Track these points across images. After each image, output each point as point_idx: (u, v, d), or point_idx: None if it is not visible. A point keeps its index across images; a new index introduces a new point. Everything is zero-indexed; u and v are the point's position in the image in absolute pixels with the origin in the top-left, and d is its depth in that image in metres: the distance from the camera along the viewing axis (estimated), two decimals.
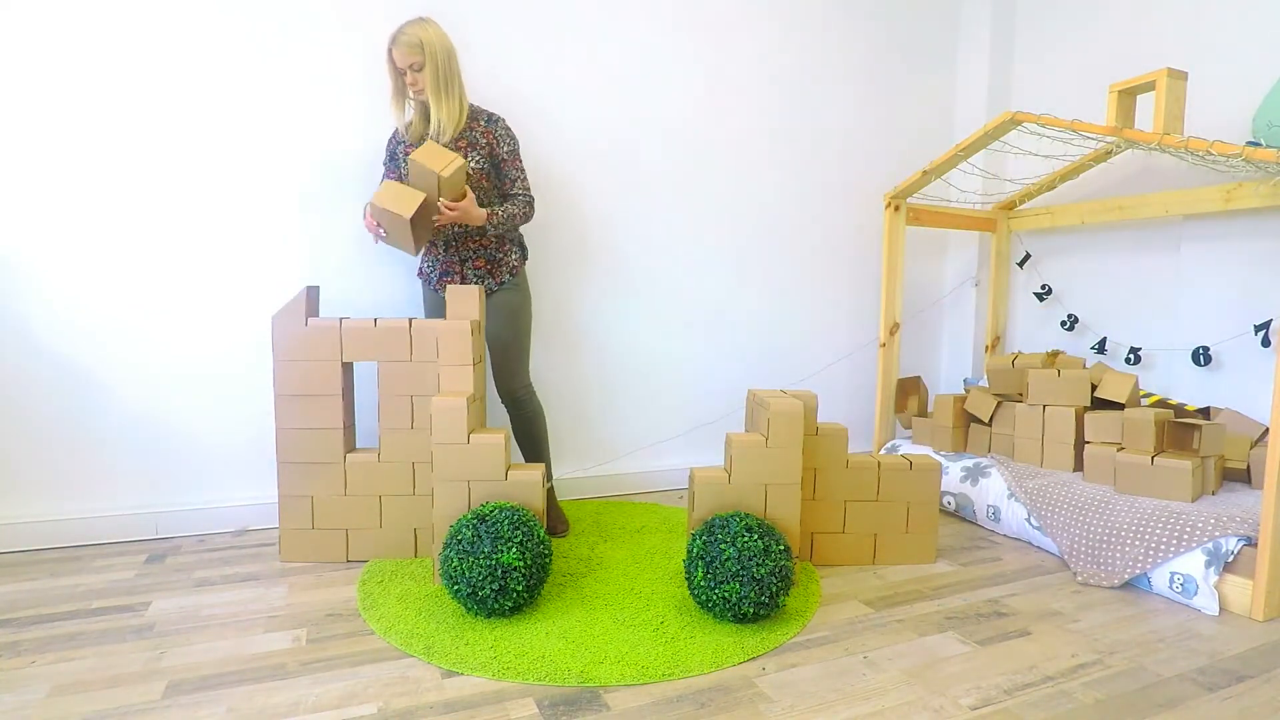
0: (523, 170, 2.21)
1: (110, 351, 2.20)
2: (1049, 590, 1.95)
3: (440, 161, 1.93)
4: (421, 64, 2.02)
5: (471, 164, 2.11)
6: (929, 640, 1.65)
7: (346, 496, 2.07)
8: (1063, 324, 3.06)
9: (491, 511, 1.73)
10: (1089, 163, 2.77)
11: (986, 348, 3.34)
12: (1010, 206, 3.20)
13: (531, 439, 2.32)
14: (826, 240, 3.20)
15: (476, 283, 2.21)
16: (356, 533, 2.08)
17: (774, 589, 1.64)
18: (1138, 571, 1.93)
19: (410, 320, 2.05)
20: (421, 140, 2.14)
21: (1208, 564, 1.82)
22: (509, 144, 2.17)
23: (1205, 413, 2.42)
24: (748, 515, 1.77)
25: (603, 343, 2.81)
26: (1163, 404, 2.51)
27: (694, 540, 1.75)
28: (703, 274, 2.97)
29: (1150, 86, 2.03)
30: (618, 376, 2.85)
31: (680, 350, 2.95)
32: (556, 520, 2.35)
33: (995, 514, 2.43)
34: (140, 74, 2.16)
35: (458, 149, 2.11)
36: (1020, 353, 2.80)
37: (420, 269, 2.31)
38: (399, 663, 1.51)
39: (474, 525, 1.69)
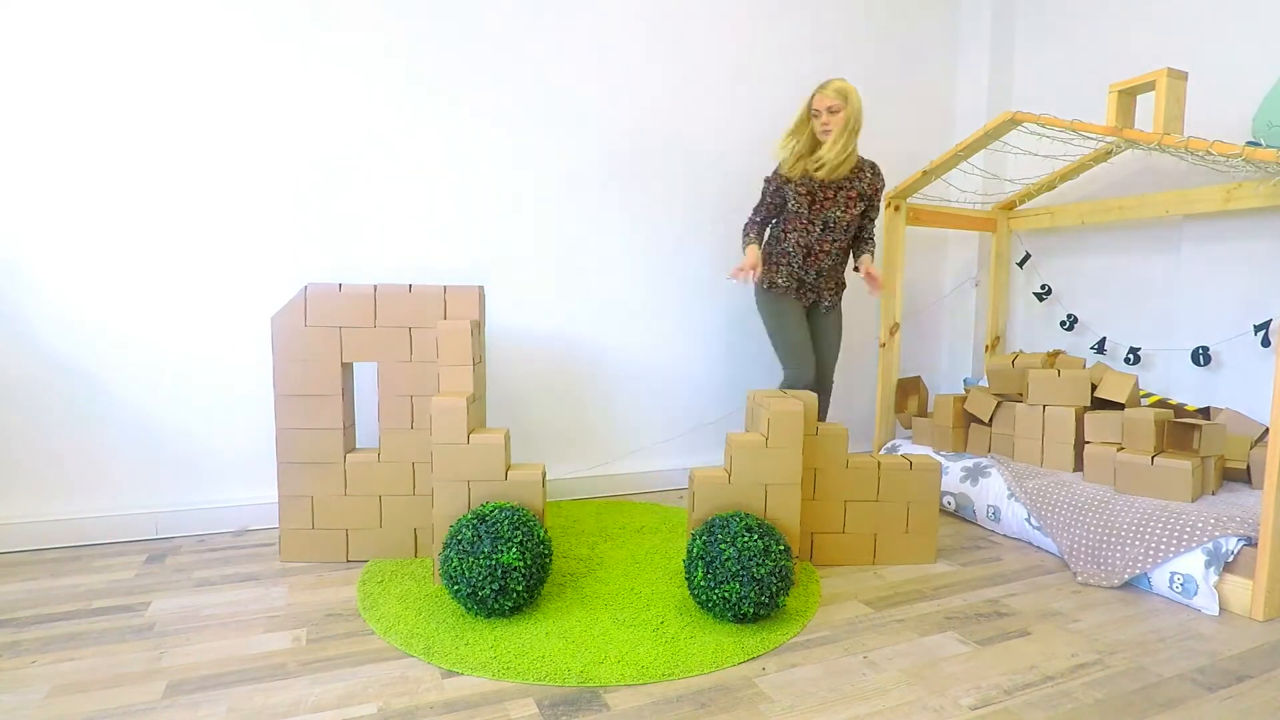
0: (873, 229, 2.58)
1: (110, 351, 2.20)
2: (1049, 590, 1.95)
3: None
4: (840, 109, 2.34)
5: (856, 210, 2.48)
6: (929, 640, 1.65)
7: (346, 496, 2.07)
8: (1063, 324, 3.06)
9: (491, 511, 1.73)
10: (1089, 163, 2.77)
11: (986, 348, 3.34)
12: (1010, 206, 3.20)
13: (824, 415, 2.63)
14: None
15: (829, 303, 2.61)
16: (356, 533, 2.08)
17: (774, 589, 1.64)
18: (1138, 571, 1.93)
19: (410, 327, 2.05)
20: (804, 172, 2.43)
21: (1208, 564, 1.82)
22: (878, 206, 2.56)
23: (1205, 413, 2.42)
24: (748, 515, 1.77)
25: (603, 343, 2.81)
26: (1163, 404, 2.51)
27: (694, 540, 1.75)
28: (702, 274, 2.96)
29: (1150, 86, 2.03)
30: (618, 377, 2.85)
31: (680, 350, 2.95)
32: None
33: (995, 514, 2.43)
34: (139, 74, 2.16)
35: (849, 198, 2.46)
36: (1020, 352, 2.80)
37: (774, 282, 2.54)
38: (399, 663, 1.51)
39: (474, 525, 1.69)
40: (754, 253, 2.45)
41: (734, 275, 2.35)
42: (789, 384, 2.54)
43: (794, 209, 2.46)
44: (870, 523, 2.11)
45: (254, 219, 2.31)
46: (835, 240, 2.50)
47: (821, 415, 2.61)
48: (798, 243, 2.49)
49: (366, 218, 2.43)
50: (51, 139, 2.10)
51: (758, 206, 2.56)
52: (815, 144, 2.43)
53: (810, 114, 2.40)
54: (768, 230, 2.61)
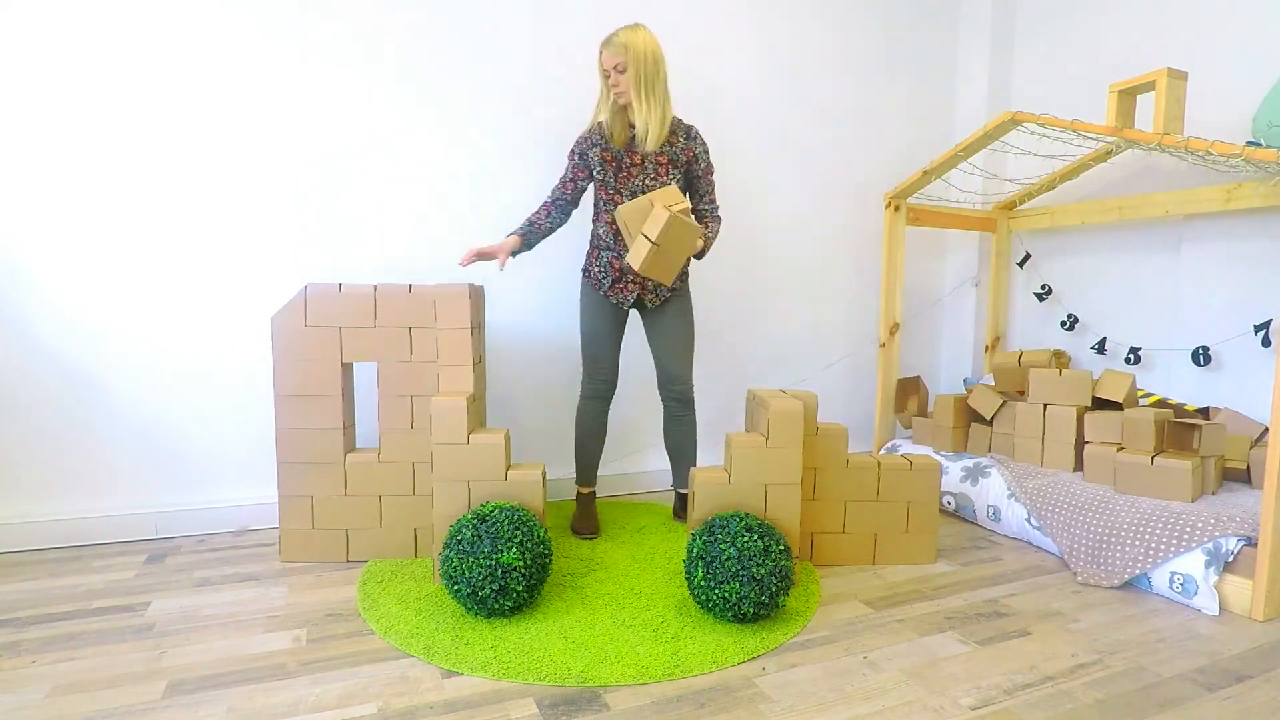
0: (713, 187, 2.26)
1: (111, 351, 2.20)
2: (1049, 590, 1.95)
3: (663, 215, 1.89)
4: (625, 66, 2.04)
5: (669, 180, 2.17)
6: (929, 640, 1.65)
7: (346, 496, 2.07)
8: (1063, 324, 3.06)
9: (491, 511, 1.73)
10: (1089, 163, 2.77)
11: (986, 348, 3.34)
12: (1010, 206, 3.20)
13: (690, 439, 2.36)
14: (826, 240, 3.20)
15: (653, 293, 2.25)
16: (356, 533, 2.08)
17: (774, 589, 1.64)
18: (1138, 571, 1.93)
19: (409, 327, 2.05)
20: (620, 145, 2.14)
21: (1208, 564, 1.82)
22: (706, 159, 2.21)
23: (1205, 413, 2.42)
24: (748, 515, 1.77)
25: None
26: (1162, 404, 2.51)
27: (694, 540, 1.75)
28: (702, 274, 2.96)
29: (1150, 86, 2.03)
30: (618, 378, 2.84)
31: None
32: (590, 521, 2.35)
33: (995, 514, 2.43)
34: (140, 75, 2.16)
35: (658, 164, 2.15)
36: (1023, 352, 2.80)
37: (588, 269, 2.27)
38: (399, 663, 1.51)
39: (474, 525, 1.69)
40: (508, 242, 2.10)
41: (463, 261, 2.05)
42: (581, 401, 2.32)
43: (599, 177, 2.17)
44: (870, 523, 2.11)
45: (254, 219, 2.31)
46: None
47: (681, 439, 2.33)
48: (609, 223, 2.19)
49: (366, 218, 2.43)
50: (52, 139, 2.10)
51: (559, 184, 2.20)
52: (624, 112, 2.14)
53: (602, 75, 2.11)
54: (561, 213, 2.20)
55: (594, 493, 2.42)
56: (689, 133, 2.18)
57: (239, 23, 2.23)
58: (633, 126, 2.15)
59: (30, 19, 2.05)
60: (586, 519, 2.34)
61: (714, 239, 2.20)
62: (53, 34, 2.07)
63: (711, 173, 2.24)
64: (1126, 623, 1.76)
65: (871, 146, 3.27)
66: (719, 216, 2.27)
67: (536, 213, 2.19)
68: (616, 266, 2.21)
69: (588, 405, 2.33)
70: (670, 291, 2.27)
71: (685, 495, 2.44)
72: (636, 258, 1.92)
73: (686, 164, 2.19)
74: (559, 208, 2.20)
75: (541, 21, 2.60)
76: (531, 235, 2.17)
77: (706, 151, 2.21)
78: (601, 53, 2.07)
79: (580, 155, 2.17)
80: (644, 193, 2.15)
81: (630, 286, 2.23)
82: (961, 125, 3.41)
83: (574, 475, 2.80)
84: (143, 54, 2.15)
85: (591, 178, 2.20)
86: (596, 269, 2.24)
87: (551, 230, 2.21)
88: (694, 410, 2.36)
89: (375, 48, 2.39)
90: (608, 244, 2.21)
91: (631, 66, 2.04)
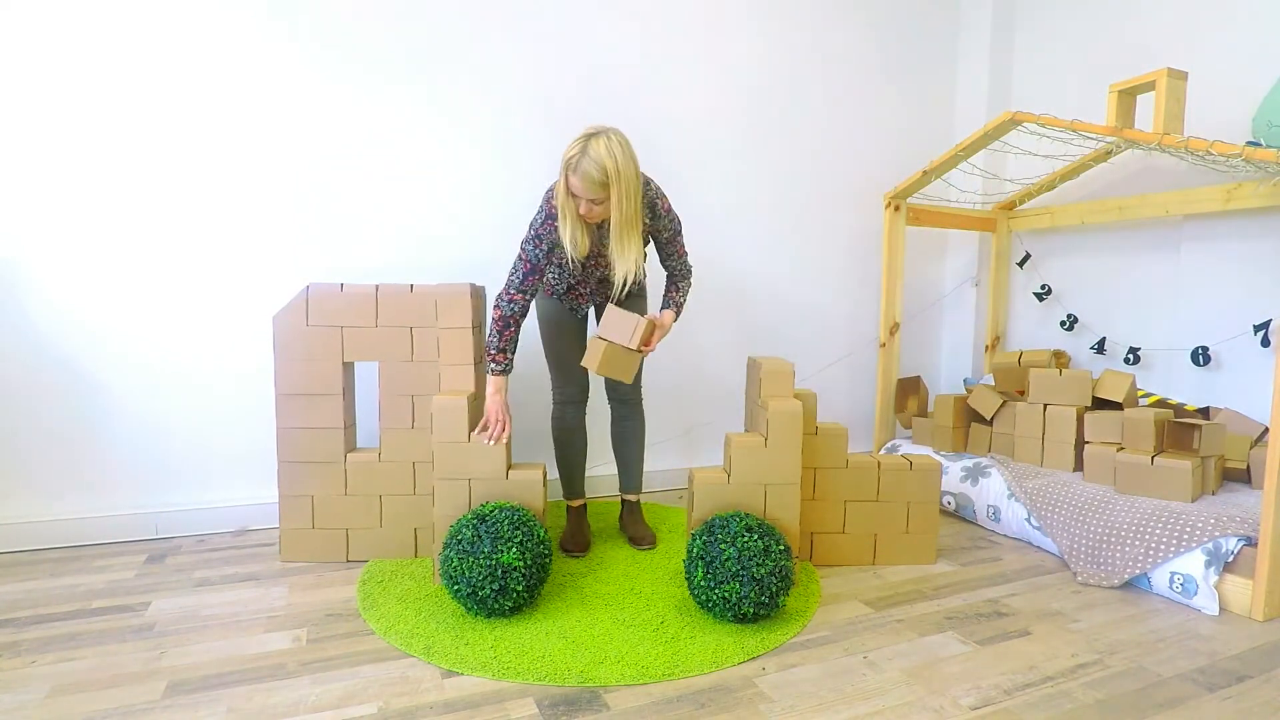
0: (681, 245, 2.04)
1: (111, 351, 2.20)
2: (1049, 590, 1.95)
3: (629, 336, 1.82)
4: (605, 200, 1.77)
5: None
6: (929, 640, 1.65)
7: (346, 496, 2.07)
8: (1063, 324, 3.06)
9: (491, 511, 1.73)
10: (1089, 163, 2.77)
11: (986, 347, 3.34)
12: (1010, 206, 3.20)
13: (639, 444, 2.26)
14: (826, 240, 3.20)
15: (602, 299, 2.13)
16: (356, 533, 2.08)
17: (774, 589, 1.64)
18: (1138, 571, 1.93)
19: (410, 326, 2.05)
20: (584, 255, 1.92)
21: (1208, 564, 1.82)
22: (670, 228, 1.98)
23: (1205, 413, 2.42)
24: (748, 515, 1.77)
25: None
26: (1162, 404, 2.51)
27: (694, 540, 1.75)
28: (702, 274, 2.96)
29: (1150, 86, 2.03)
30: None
31: (679, 350, 2.95)
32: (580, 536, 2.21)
33: (995, 514, 2.43)
34: (140, 75, 2.15)
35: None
36: (1023, 352, 2.80)
37: (547, 282, 2.11)
38: (399, 663, 1.51)
39: (474, 525, 1.69)
40: (501, 396, 1.89)
41: (479, 437, 1.86)
42: (554, 411, 2.20)
43: (561, 263, 2.01)
44: (870, 523, 2.11)
45: (255, 219, 2.31)
46: (605, 281, 2.07)
47: (624, 441, 2.24)
48: (559, 281, 2.07)
49: (366, 218, 2.43)
50: (52, 139, 2.10)
51: (524, 277, 1.88)
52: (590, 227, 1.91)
53: (568, 192, 1.79)
54: (530, 301, 1.95)
55: (585, 505, 2.28)
56: (652, 209, 1.92)
57: (239, 23, 2.23)
58: (599, 228, 1.92)
59: (31, 19, 2.04)
60: (577, 535, 2.19)
61: (684, 299, 2.05)
62: (53, 34, 2.07)
63: (678, 235, 2.02)
64: (1126, 623, 1.76)
65: (871, 147, 3.27)
66: (689, 270, 2.07)
67: (512, 327, 1.90)
68: (566, 282, 2.07)
69: (563, 412, 2.20)
70: (626, 296, 2.10)
71: (631, 504, 2.29)
72: (591, 360, 1.85)
73: (655, 234, 1.99)
74: (527, 308, 1.93)
75: (542, 21, 2.59)
76: (512, 350, 1.95)
77: (669, 217, 1.97)
78: (568, 178, 1.75)
79: (545, 250, 1.88)
80: (608, 273, 2.00)
81: (585, 298, 2.12)
82: (961, 125, 3.41)
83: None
84: (143, 55, 2.15)
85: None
86: (551, 277, 2.08)
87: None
88: (639, 412, 2.24)
89: (375, 48, 2.38)
90: (560, 271, 2.05)
91: (614, 202, 1.77)
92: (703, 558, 1.69)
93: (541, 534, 1.76)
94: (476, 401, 2.02)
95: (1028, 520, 2.29)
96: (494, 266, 2.61)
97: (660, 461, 2.94)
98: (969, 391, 2.79)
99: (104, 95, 2.13)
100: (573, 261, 1.94)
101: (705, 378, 3.01)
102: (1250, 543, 1.82)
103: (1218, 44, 2.54)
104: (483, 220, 2.58)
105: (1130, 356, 2.79)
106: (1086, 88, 2.99)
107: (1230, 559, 1.82)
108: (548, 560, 1.75)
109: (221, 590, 1.87)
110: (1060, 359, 2.90)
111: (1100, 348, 2.91)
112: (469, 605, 1.67)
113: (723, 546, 1.67)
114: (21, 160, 2.08)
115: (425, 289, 2.05)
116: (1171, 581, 1.88)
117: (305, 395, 2.03)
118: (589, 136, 1.74)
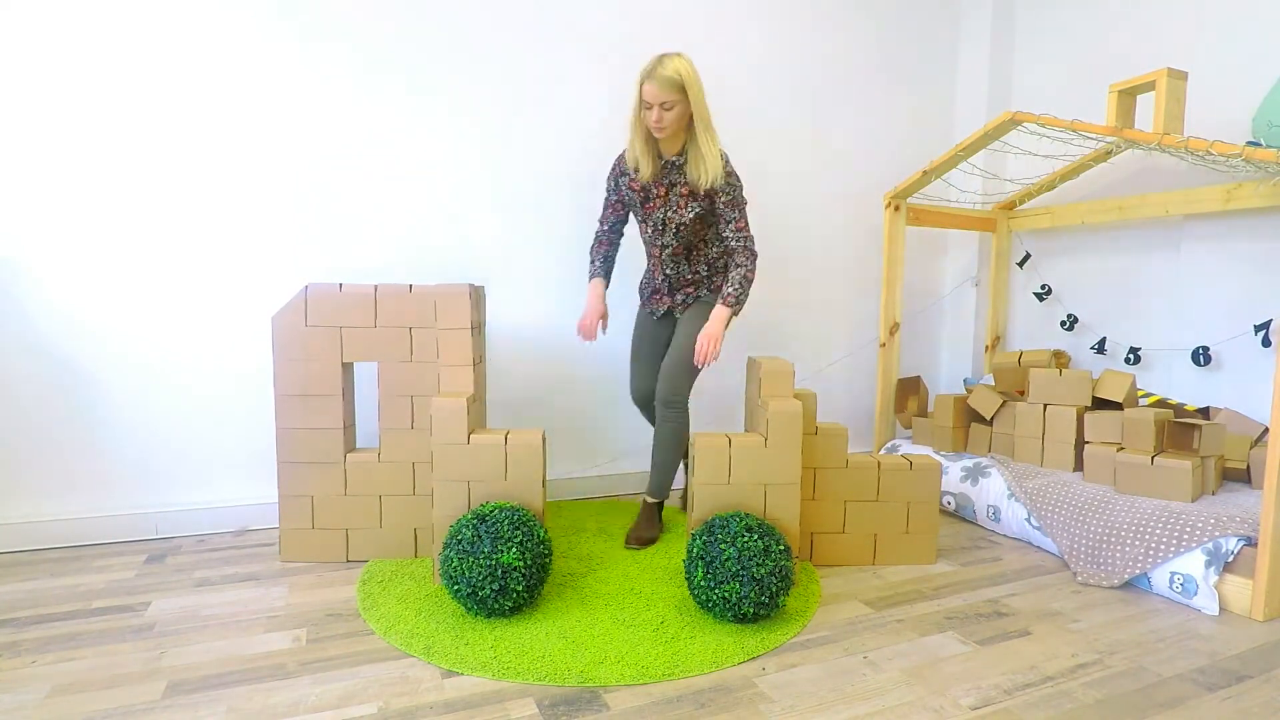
0: (742, 217, 2.10)
1: (111, 351, 2.20)
2: (1049, 590, 1.95)
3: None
4: (673, 104, 1.93)
5: (689, 213, 2.09)
6: (929, 640, 1.65)
7: (346, 496, 2.07)
8: (1063, 324, 3.06)
9: (491, 511, 1.73)
10: (1089, 163, 2.77)
11: (986, 347, 3.34)
12: (1010, 206, 3.20)
13: (665, 443, 2.21)
14: (826, 240, 3.20)
15: (681, 305, 2.27)
16: (356, 533, 2.08)
17: (774, 589, 1.64)
18: (1138, 571, 1.93)
19: (410, 326, 2.05)
20: (648, 178, 2.08)
21: (1208, 564, 1.82)
22: (729, 194, 2.07)
23: (1205, 413, 2.42)
24: (748, 515, 1.77)
25: (603, 344, 2.81)
26: (1162, 404, 2.51)
27: (694, 540, 1.75)
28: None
29: (1150, 86, 2.03)
30: (618, 377, 2.84)
31: None
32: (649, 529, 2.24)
33: (995, 514, 2.43)
34: (140, 75, 2.15)
35: (681, 195, 2.08)
36: (1023, 351, 2.80)
37: (641, 283, 2.38)
38: (399, 663, 1.51)
39: (474, 525, 1.69)
40: (597, 294, 2.13)
41: (581, 334, 2.12)
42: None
43: (629, 202, 2.17)
44: (870, 523, 2.11)
45: (254, 219, 2.31)
46: (667, 246, 2.16)
47: (657, 440, 2.22)
48: (646, 241, 2.22)
49: (366, 218, 2.44)
50: (52, 139, 2.10)
51: (603, 209, 2.22)
52: (655, 146, 2.06)
53: (641, 105, 1.98)
54: (618, 234, 2.27)
55: (660, 503, 2.30)
56: (725, 160, 2.08)
57: (239, 22, 2.23)
58: (662, 158, 2.09)
59: (31, 19, 2.04)
60: (640, 529, 2.23)
61: (738, 290, 2.08)
62: (53, 34, 2.07)
63: (736, 206, 2.09)
64: (1126, 623, 1.76)
65: (871, 146, 3.27)
66: (750, 249, 2.10)
67: (603, 245, 2.24)
68: (650, 283, 2.31)
69: (663, 416, 2.21)
70: (694, 300, 2.24)
71: (652, 505, 2.28)
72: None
73: (710, 195, 2.08)
74: (615, 231, 2.25)
75: (542, 21, 2.59)
76: (610, 267, 2.27)
77: (731, 186, 2.07)
78: (643, 85, 1.93)
79: (614, 182, 2.20)
80: (665, 224, 2.13)
81: (662, 299, 2.28)
82: (961, 125, 3.42)
83: (579, 477, 2.80)
84: (143, 54, 2.15)
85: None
86: (642, 280, 2.36)
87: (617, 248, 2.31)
88: (677, 413, 2.18)
89: (375, 47, 2.38)
90: (648, 259, 2.28)
91: (684, 104, 1.95)
92: (703, 558, 1.69)
93: (541, 534, 1.76)
94: (476, 403, 2.02)
95: (1028, 520, 2.29)
96: (494, 267, 2.61)
97: None
98: (969, 391, 2.79)
99: (104, 95, 2.13)
100: (634, 194, 2.13)
101: (705, 378, 3.01)
102: (1250, 543, 1.82)
103: (1218, 44, 2.54)
104: (483, 221, 2.58)
105: (1130, 356, 2.79)
106: (1086, 88, 2.99)
107: (1230, 559, 1.82)
108: (548, 560, 1.75)
109: (221, 590, 1.87)
110: (1060, 359, 2.90)
111: (1100, 348, 2.91)
112: (469, 605, 1.67)
113: (723, 546, 1.67)
114: (21, 160, 2.07)
115: (424, 289, 2.05)
116: (1171, 581, 1.88)
117: (305, 396, 2.03)
118: (660, 55, 1.96)
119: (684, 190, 2.09)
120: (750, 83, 2.97)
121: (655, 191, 2.11)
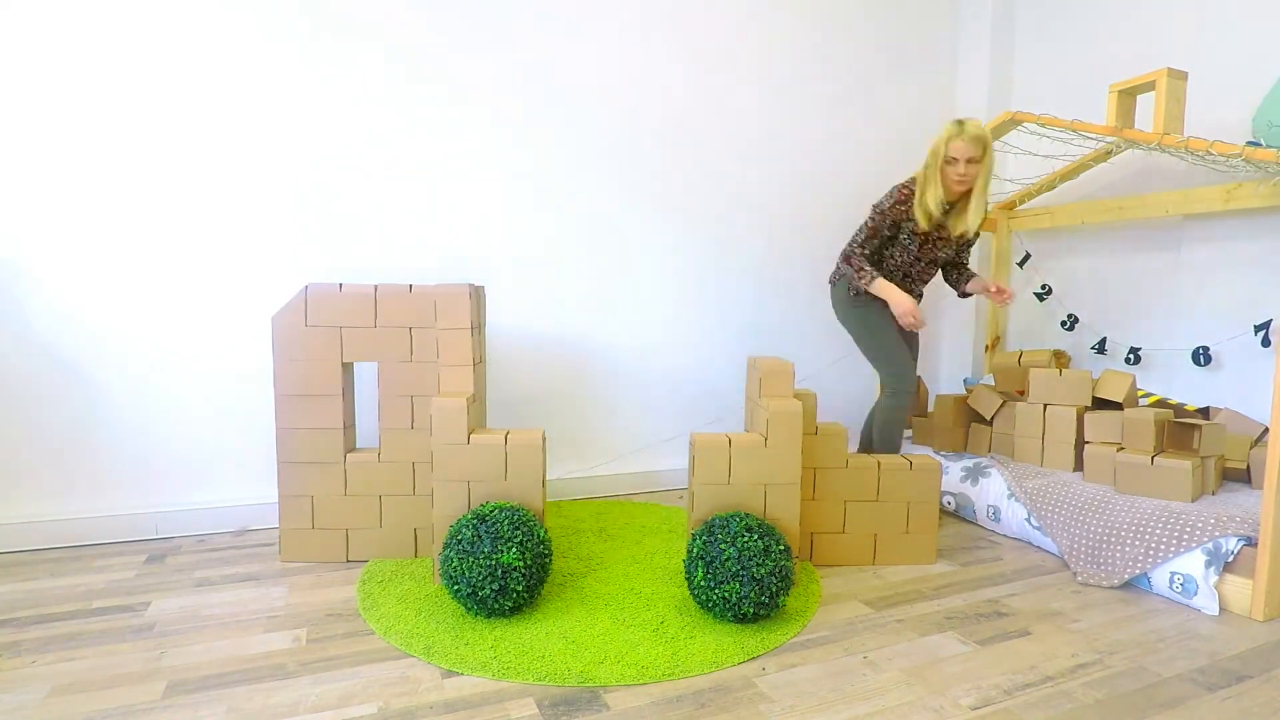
0: (865, 224, 2.39)
1: (111, 351, 2.20)
2: (1049, 590, 1.95)
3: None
4: (979, 159, 2.15)
5: (949, 252, 2.43)
6: (929, 640, 1.65)
7: (346, 496, 2.07)
8: (1063, 324, 3.06)
9: (491, 511, 1.73)
10: (1089, 163, 2.77)
11: (986, 347, 3.34)
12: (1010, 206, 3.20)
13: (878, 422, 2.45)
14: (826, 241, 3.20)
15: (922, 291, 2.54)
16: (356, 533, 2.08)
17: (774, 589, 1.64)
18: (1138, 571, 1.93)
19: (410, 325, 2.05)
20: (931, 226, 2.30)
21: (1208, 564, 1.82)
22: (975, 236, 2.44)
23: (1205, 413, 2.42)
24: (748, 515, 1.77)
25: (604, 344, 2.81)
26: (1162, 404, 2.51)
27: (694, 540, 1.75)
28: (703, 274, 2.96)
29: (1150, 86, 2.03)
30: (618, 377, 2.85)
31: (680, 351, 2.95)
32: None
33: (995, 514, 2.43)
34: (140, 75, 2.15)
35: (958, 239, 2.38)
36: (1023, 351, 2.80)
37: (866, 292, 2.44)
38: (399, 663, 1.51)
39: (474, 525, 1.69)
40: (897, 289, 2.33)
41: (915, 322, 2.31)
42: (894, 399, 2.40)
43: (904, 242, 2.38)
44: (870, 523, 2.11)
45: (254, 219, 2.31)
46: (929, 274, 2.49)
47: (872, 418, 2.50)
48: (898, 267, 2.43)
49: (366, 218, 2.44)
50: (52, 139, 2.10)
51: (868, 239, 2.37)
52: (941, 200, 2.27)
53: (945, 160, 2.18)
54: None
55: None
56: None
57: (239, 22, 2.23)
58: (946, 205, 2.27)
59: (31, 19, 2.04)
60: None
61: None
62: (53, 34, 2.07)
63: (973, 244, 2.52)
64: (1126, 623, 1.76)
65: (871, 146, 3.27)
66: (847, 252, 2.42)
67: (861, 260, 2.36)
68: (906, 260, 2.43)
69: (899, 403, 2.40)
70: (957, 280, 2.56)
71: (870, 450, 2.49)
72: None
73: (961, 235, 2.35)
74: (875, 254, 2.42)
75: (543, 21, 2.59)
76: (874, 265, 2.43)
77: (977, 234, 2.44)
78: (952, 141, 2.14)
79: (893, 221, 2.33)
80: (935, 260, 2.43)
81: (914, 279, 2.47)
82: None
83: (579, 477, 2.80)
84: (143, 54, 2.15)
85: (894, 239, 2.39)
86: (891, 263, 2.44)
87: None
88: (892, 398, 2.39)
89: (375, 47, 2.38)
90: (894, 279, 2.44)
91: (985, 163, 2.17)
92: (703, 558, 1.69)
93: (541, 534, 1.76)
94: (476, 403, 2.02)
95: (1028, 520, 2.29)
96: (494, 266, 2.61)
97: (660, 461, 2.94)
98: (969, 391, 2.79)
99: (104, 95, 2.13)
100: (915, 237, 2.34)
101: (705, 378, 3.01)
102: (1250, 543, 1.81)
103: (1218, 44, 2.54)
104: (482, 221, 2.58)
105: (1130, 356, 2.79)
106: (1086, 88, 2.99)
107: (1230, 559, 1.82)
108: (548, 560, 1.75)
109: (221, 590, 1.87)
110: (1060, 359, 2.90)
111: (1101, 348, 2.91)
112: (469, 605, 1.67)
113: (723, 546, 1.67)
114: (21, 160, 2.07)
115: (424, 289, 2.05)
116: (1171, 581, 1.88)
117: (304, 396, 2.03)
118: (959, 118, 2.20)
119: (945, 233, 2.35)
120: (751, 83, 2.97)
121: (934, 234, 2.35)
